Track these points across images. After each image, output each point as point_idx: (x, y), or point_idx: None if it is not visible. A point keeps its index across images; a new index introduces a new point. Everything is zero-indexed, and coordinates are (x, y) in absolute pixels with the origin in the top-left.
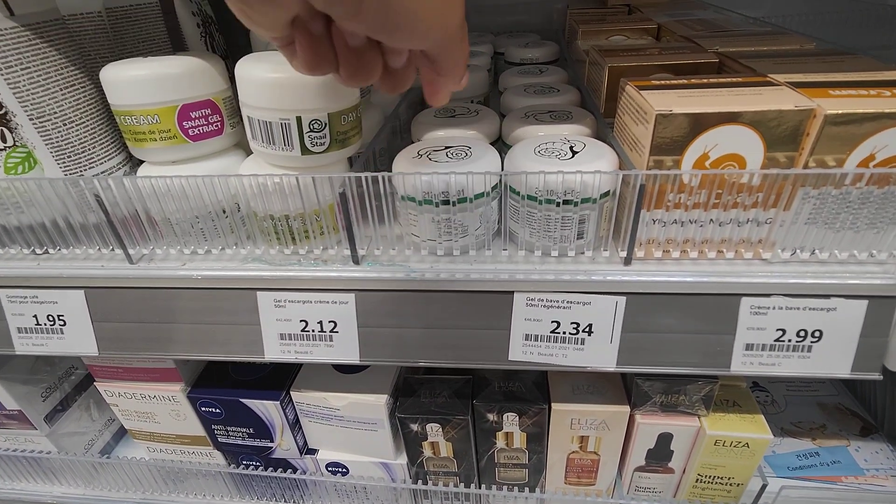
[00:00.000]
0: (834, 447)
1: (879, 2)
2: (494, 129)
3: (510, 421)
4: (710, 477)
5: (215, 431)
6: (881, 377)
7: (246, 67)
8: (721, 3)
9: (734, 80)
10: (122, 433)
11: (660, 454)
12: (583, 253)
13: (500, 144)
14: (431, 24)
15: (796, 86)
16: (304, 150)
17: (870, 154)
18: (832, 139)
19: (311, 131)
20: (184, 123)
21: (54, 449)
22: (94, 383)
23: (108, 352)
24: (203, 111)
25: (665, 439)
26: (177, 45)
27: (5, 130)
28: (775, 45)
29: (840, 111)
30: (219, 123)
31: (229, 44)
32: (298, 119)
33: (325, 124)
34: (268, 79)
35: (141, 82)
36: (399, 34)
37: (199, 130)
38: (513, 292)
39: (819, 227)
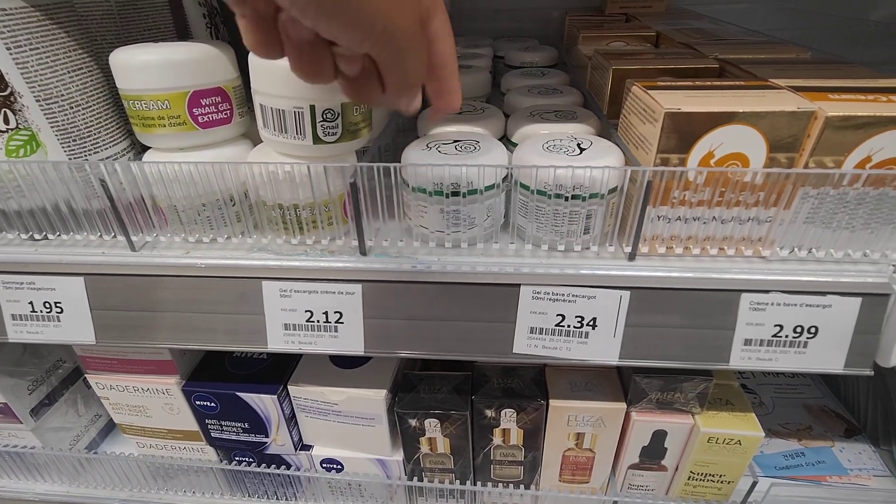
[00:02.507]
0: (819, 448)
1: (864, 18)
2: (500, 126)
3: (508, 417)
4: (702, 474)
5: (209, 426)
6: (872, 373)
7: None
8: (714, 15)
9: (737, 83)
10: (108, 430)
11: (654, 451)
12: (588, 248)
13: (505, 142)
14: (374, 18)
15: (797, 90)
16: (316, 140)
17: (867, 156)
18: (831, 141)
19: (324, 121)
20: (194, 110)
21: (39, 444)
22: (86, 375)
23: (106, 340)
24: (213, 98)
25: (659, 436)
26: (182, 35)
27: (8, 112)
28: (773, 54)
29: (840, 114)
30: (228, 111)
31: (233, 35)
32: (312, 108)
33: (338, 114)
34: (283, 67)
35: (152, 67)
36: (336, 23)
37: (208, 118)
38: (519, 285)
39: (817, 227)
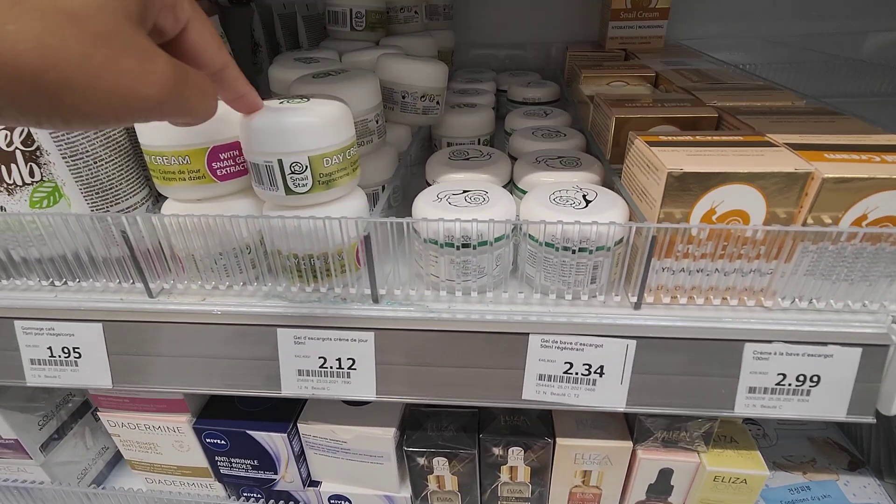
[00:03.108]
0: (824, 481)
1: (852, 56)
2: (506, 172)
3: (515, 455)
4: None
5: (218, 463)
6: (874, 420)
7: (243, 116)
8: (710, 49)
9: (736, 138)
10: (115, 461)
11: (660, 489)
12: (595, 297)
13: (511, 186)
14: (104, 108)
15: (794, 147)
16: (288, 191)
17: (863, 213)
18: (829, 199)
19: (293, 173)
20: (213, 164)
21: (47, 479)
22: (98, 412)
23: (123, 385)
24: (231, 152)
25: (666, 474)
26: None
27: (34, 166)
28: (769, 101)
29: (836, 175)
30: (244, 164)
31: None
32: (280, 161)
33: (306, 167)
34: (250, 124)
35: (169, 126)
36: (75, 124)
37: (227, 171)
38: (528, 334)
39: (817, 279)
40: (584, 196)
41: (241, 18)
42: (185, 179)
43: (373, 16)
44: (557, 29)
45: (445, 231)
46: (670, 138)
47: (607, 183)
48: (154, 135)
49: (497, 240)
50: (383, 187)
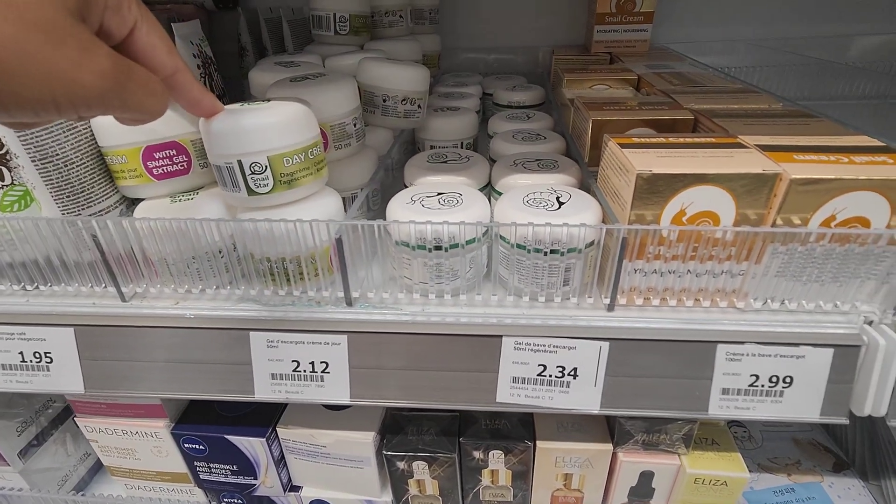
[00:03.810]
0: (808, 483)
1: (836, 60)
2: (484, 175)
3: (496, 458)
4: None
5: (198, 468)
6: (847, 421)
7: (203, 118)
8: (695, 52)
9: (708, 140)
10: (97, 468)
11: (642, 491)
12: (569, 299)
13: (490, 189)
14: (40, 95)
15: (764, 149)
16: (250, 192)
17: (831, 214)
18: (797, 200)
19: (253, 174)
20: (148, 163)
21: (26, 486)
22: (75, 419)
23: (95, 390)
24: (167, 152)
25: (647, 477)
26: None
27: (3, 169)
28: (746, 104)
29: (803, 176)
30: (185, 163)
31: (229, 85)
32: (239, 162)
33: (266, 167)
34: (209, 127)
35: (110, 125)
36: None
37: (163, 170)
38: (501, 336)
39: (788, 280)
40: (557, 198)
41: (228, 23)
42: (126, 178)
43: (357, 20)
44: (545, 33)
45: (417, 233)
46: (643, 140)
47: (584, 185)
48: (100, 134)
49: (469, 242)
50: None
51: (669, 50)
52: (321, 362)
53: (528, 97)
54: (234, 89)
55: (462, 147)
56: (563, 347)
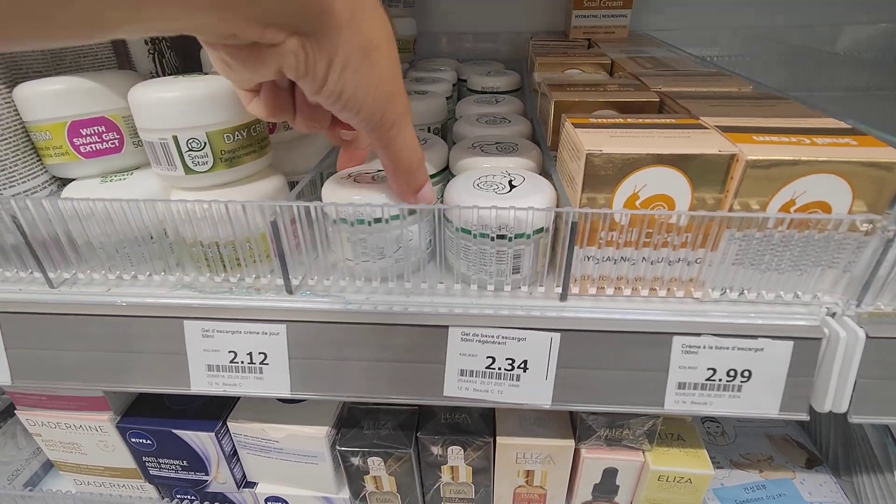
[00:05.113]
0: (780, 479)
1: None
2: (442, 158)
3: (455, 454)
4: None
5: (146, 463)
6: (808, 417)
7: (133, 91)
8: (677, 41)
9: (667, 121)
10: (51, 463)
11: (606, 488)
12: (519, 288)
13: (448, 174)
14: (371, 113)
15: (724, 130)
16: (188, 170)
17: (790, 199)
18: (754, 183)
19: (191, 150)
20: (74, 140)
21: None
22: (15, 411)
23: (23, 381)
24: (96, 128)
25: (611, 474)
26: (123, 62)
27: None
28: (715, 87)
29: (760, 157)
30: (116, 141)
31: (183, 61)
32: (175, 138)
33: (205, 143)
34: (143, 99)
35: (32, 98)
36: (346, 113)
37: (91, 147)
38: (448, 326)
39: (746, 268)
40: (510, 181)
41: None
42: (52, 156)
43: None
44: (525, 19)
45: (345, 211)
46: (599, 121)
47: (544, 170)
48: (22, 109)
49: (393, 218)
50: None
51: (649, 37)
52: (259, 353)
53: (502, 83)
54: (194, 68)
55: (430, 131)
56: (513, 339)
